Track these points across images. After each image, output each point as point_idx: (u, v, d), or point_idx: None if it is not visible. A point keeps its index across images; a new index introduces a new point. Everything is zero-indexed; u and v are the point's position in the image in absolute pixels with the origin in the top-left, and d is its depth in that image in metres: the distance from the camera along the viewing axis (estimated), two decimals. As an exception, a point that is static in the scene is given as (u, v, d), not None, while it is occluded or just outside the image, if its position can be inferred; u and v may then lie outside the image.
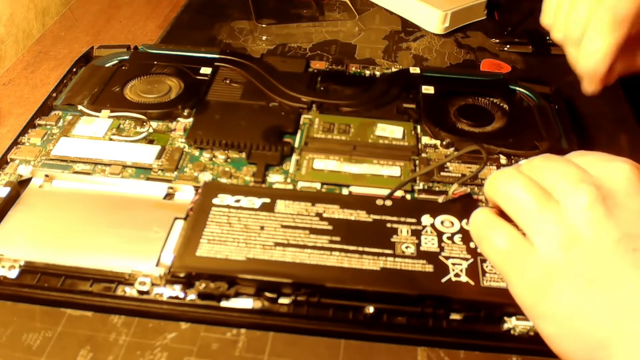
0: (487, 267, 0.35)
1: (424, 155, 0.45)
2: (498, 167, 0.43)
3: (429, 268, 0.35)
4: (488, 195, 0.33)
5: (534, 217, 0.29)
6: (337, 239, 0.36)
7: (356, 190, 0.42)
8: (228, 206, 0.38)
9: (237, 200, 0.38)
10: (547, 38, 0.59)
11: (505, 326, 0.34)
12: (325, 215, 0.38)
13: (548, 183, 0.30)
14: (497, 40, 0.62)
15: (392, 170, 0.43)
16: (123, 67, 0.52)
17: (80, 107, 0.47)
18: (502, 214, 0.31)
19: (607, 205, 0.27)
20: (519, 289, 0.29)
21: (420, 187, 0.42)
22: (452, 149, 0.45)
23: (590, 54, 0.37)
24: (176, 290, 0.35)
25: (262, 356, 0.33)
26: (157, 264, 0.35)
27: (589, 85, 0.38)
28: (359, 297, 0.34)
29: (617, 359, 0.25)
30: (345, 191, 0.42)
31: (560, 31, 0.39)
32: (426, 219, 0.38)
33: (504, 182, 0.31)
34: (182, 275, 0.35)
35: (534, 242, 0.29)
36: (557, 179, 0.29)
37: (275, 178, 0.42)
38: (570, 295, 0.27)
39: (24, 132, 0.45)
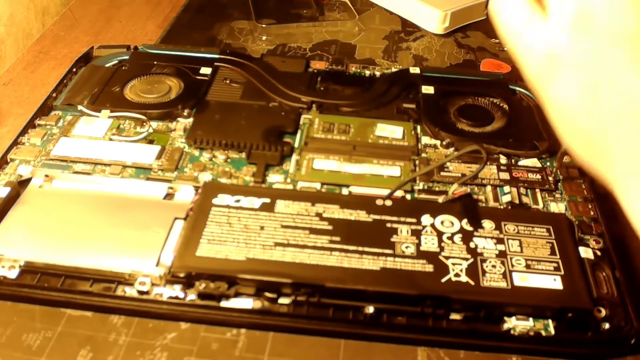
0: (487, 267, 0.35)
1: (424, 155, 0.45)
2: (498, 167, 0.43)
3: (429, 268, 0.35)
4: None
5: None
6: (337, 239, 0.36)
7: (356, 190, 0.42)
8: (228, 206, 0.38)
9: (237, 200, 0.38)
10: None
11: (505, 326, 0.34)
12: (325, 215, 0.38)
13: None
14: (497, 40, 0.62)
15: (392, 170, 0.43)
16: (123, 67, 0.52)
17: (80, 107, 0.47)
18: None
19: None
20: (528, 69, 0.26)
21: (420, 187, 0.42)
22: (452, 149, 0.45)
23: None
24: (176, 290, 0.35)
25: (262, 356, 0.33)
26: (157, 264, 0.35)
27: None
28: (359, 297, 0.34)
29: (615, 155, 0.24)
30: (345, 191, 0.42)
31: None
32: (426, 219, 0.38)
33: None
34: (182, 275, 0.35)
35: (548, 10, 0.26)
36: None
37: (275, 178, 0.42)
38: (574, 81, 0.24)
39: (24, 132, 0.45)
